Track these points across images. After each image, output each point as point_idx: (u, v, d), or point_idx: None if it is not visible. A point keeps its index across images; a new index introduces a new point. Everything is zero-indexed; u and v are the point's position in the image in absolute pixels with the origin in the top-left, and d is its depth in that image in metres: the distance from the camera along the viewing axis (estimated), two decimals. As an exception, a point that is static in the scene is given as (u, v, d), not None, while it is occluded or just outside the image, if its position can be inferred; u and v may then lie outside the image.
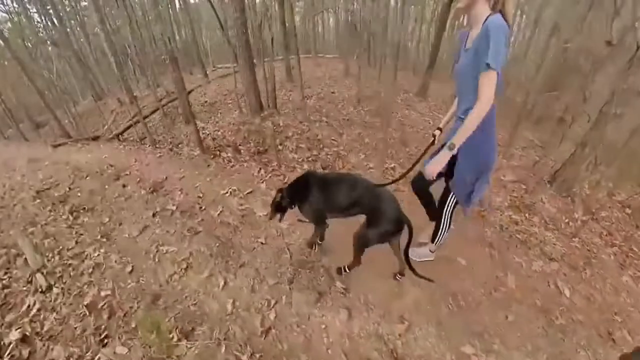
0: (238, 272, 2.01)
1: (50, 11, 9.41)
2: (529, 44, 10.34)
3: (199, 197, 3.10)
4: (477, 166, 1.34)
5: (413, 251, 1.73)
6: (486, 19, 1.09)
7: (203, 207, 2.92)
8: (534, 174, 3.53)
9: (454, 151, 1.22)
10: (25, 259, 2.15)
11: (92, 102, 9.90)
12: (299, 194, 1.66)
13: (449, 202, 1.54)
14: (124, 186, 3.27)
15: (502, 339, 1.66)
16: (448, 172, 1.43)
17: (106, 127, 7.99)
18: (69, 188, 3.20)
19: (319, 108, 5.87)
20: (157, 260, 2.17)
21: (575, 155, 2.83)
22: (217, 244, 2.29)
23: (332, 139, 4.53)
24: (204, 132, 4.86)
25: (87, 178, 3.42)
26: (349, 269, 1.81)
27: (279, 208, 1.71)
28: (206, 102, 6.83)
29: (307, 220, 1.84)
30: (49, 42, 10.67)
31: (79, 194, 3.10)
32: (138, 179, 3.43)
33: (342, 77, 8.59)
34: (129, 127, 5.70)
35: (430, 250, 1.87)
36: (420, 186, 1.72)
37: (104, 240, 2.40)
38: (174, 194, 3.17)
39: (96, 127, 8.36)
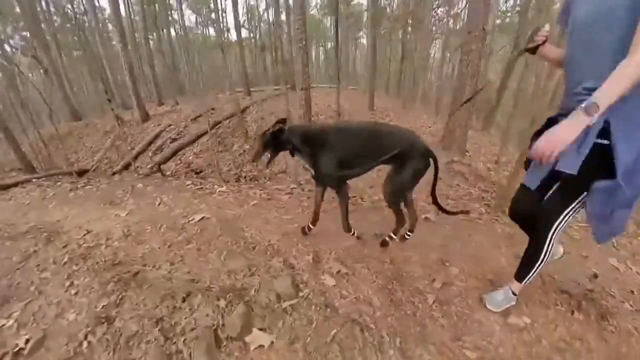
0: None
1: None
2: None
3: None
4: None
5: (490, 301, 1.26)
6: None
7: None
8: None
9: (594, 118, 0.74)
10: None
11: (69, 123, 7.14)
12: (308, 139, 1.37)
13: (561, 223, 1.00)
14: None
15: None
16: (580, 180, 0.88)
17: (100, 153, 5.27)
18: None
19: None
20: None
21: None
22: None
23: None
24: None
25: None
26: (395, 235, 1.51)
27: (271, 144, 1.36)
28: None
29: (320, 182, 1.48)
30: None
31: None
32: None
33: (402, 110, 7.55)
34: (174, 154, 3.35)
35: (513, 293, 1.25)
36: (526, 205, 1.16)
37: None
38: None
39: (76, 156, 5.58)
